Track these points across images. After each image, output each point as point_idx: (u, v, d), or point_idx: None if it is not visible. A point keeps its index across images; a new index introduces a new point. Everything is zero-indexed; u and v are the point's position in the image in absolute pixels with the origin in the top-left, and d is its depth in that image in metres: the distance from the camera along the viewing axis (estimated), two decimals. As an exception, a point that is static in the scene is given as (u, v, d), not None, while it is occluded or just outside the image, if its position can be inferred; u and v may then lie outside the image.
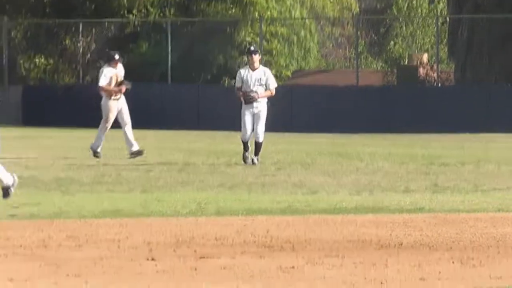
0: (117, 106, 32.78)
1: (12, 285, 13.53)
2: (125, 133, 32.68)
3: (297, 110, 42.16)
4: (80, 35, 57.02)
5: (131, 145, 32.70)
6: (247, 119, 30.04)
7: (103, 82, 33.61)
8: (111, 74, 33.59)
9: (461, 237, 17.68)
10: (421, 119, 47.72)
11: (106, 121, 32.96)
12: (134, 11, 55.59)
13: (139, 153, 32.12)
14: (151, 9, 55.45)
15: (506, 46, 54.39)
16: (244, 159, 30.00)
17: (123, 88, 33.14)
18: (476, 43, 56.03)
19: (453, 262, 15.45)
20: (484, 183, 26.19)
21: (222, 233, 17.71)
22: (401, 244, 16.86)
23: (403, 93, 54.39)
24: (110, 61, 34.00)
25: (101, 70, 34.25)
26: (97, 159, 32.42)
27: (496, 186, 25.35)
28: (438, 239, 17.43)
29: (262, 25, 55.77)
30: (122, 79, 33.98)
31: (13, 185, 22.43)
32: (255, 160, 29.89)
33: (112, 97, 32.82)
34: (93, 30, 57.04)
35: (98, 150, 33.49)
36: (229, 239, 17.22)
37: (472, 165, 30.98)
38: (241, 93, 30.35)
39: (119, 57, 34.50)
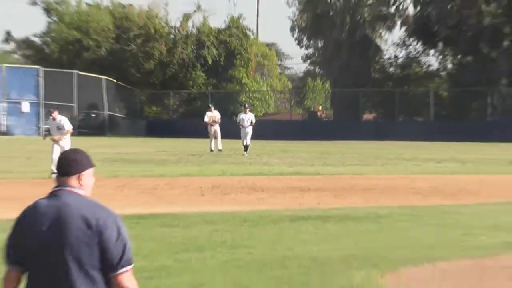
0: (213, 129, 31.02)
1: (148, 206, 13.63)
2: (216, 141, 31.22)
3: (265, 130, 41.87)
4: (171, 98, 56.64)
5: (220, 147, 31.08)
6: (243, 135, 29.97)
7: (205, 119, 32.13)
8: (208, 115, 32.00)
9: (337, 185, 17.70)
10: (319, 134, 46.90)
11: (209, 136, 31.48)
12: (195, 87, 55.12)
13: (220, 151, 30.73)
14: (202, 86, 55.02)
15: (354, 104, 53.91)
16: (244, 153, 29.73)
17: (211, 123, 31.47)
18: (344, 102, 55.31)
19: (332, 197, 15.59)
20: (346, 162, 26.06)
21: (232, 183, 17.77)
22: (309, 189, 16.93)
23: (312, 123, 53.65)
24: (209, 109, 32.87)
25: (206, 113, 32.83)
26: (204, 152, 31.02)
27: (350, 163, 25.28)
28: (326, 186, 17.47)
29: (250, 93, 55.79)
30: (216, 117, 31.96)
31: None
32: (245, 154, 29.62)
33: (209, 126, 31.38)
34: (176, 95, 56.67)
35: (212, 147, 31.19)
36: (235, 186, 17.28)
37: (339, 154, 30.80)
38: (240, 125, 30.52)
39: (212, 106, 33.03)
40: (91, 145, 26.97)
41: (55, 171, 17.58)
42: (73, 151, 3.65)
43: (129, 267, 3.46)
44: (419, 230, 11.14)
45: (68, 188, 3.50)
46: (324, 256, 8.97)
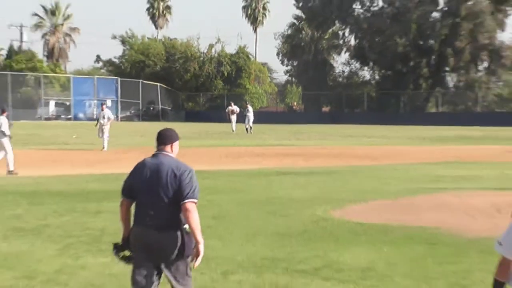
0: (232, 117, 29.82)
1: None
2: (234, 125, 29.75)
3: (260, 118, 40.94)
4: (201, 97, 56.21)
5: (234, 129, 29.44)
6: (246, 120, 29.82)
7: (226, 110, 30.94)
8: (229, 108, 30.76)
9: (306, 152, 17.61)
10: (294, 120, 45.96)
11: (232, 123, 30.11)
12: (216, 91, 54.75)
13: (233, 131, 28.85)
14: (221, 90, 54.53)
15: (317, 101, 53.74)
16: (246, 131, 29.46)
17: (232, 114, 30.02)
18: (310, 100, 55.18)
19: (302, 160, 15.51)
20: (312, 137, 25.71)
21: (240, 151, 17.66)
22: (288, 155, 16.75)
23: (290, 113, 53.27)
24: (230, 104, 31.65)
25: (228, 107, 31.31)
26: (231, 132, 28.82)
27: (314, 139, 24.94)
28: (299, 153, 17.35)
29: (251, 94, 55.29)
30: (235, 109, 30.44)
31: None
32: (250, 131, 29.29)
33: (229, 115, 30.21)
34: (204, 96, 56.17)
35: (234, 129, 29.83)
36: (244, 154, 17.17)
37: (307, 133, 30.36)
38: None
39: (232, 103, 31.44)
40: (150, 127, 26.73)
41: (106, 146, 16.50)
42: (167, 129, 3.79)
43: (194, 199, 3.54)
44: (357, 181, 11.14)
45: (164, 152, 3.67)
46: (298, 197, 8.96)
